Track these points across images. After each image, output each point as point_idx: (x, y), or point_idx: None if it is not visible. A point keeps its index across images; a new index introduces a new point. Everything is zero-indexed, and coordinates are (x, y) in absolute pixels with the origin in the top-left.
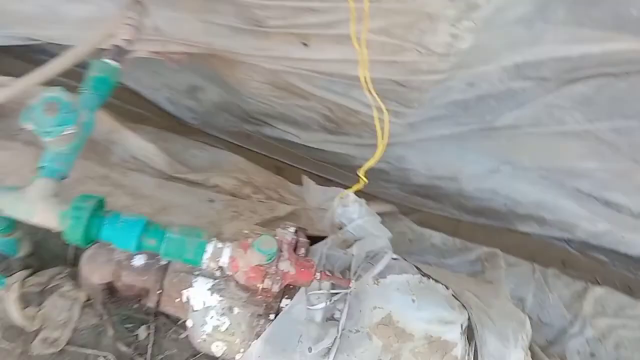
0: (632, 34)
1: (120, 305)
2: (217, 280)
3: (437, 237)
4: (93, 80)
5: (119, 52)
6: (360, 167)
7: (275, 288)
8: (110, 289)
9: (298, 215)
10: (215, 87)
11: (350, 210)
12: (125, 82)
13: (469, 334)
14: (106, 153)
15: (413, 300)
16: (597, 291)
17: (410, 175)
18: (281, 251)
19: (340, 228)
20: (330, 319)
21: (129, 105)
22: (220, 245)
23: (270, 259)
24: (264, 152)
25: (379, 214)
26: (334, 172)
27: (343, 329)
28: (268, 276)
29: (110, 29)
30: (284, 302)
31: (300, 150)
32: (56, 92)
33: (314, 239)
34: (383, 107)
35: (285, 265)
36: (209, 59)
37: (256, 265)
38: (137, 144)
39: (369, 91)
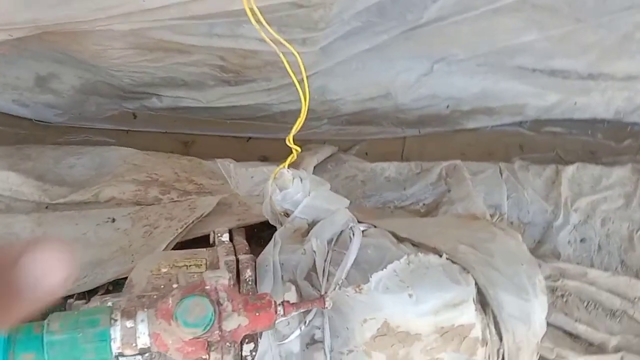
0: None
1: None
2: (147, 354)
3: (390, 169)
4: None
5: None
6: (280, 113)
7: (228, 358)
8: None
9: (228, 205)
10: (70, 68)
11: (291, 192)
12: None
13: (481, 299)
14: None
15: (410, 295)
16: (569, 171)
17: (338, 105)
18: (220, 304)
19: (287, 214)
20: (311, 342)
21: None
22: (130, 324)
23: (207, 328)
24: (160, 129)
25: (321, 163)
26: (253, 127)
27: (331, 351)
28: (213, 347)
29: None
30: (246, 348)
31: (203, 114)
32: None
33: (255, 228)
34: (289, 46)
35: (232, 322)
36: (43, 36)
37: (191, 339)
38: None
39: (268, 25)
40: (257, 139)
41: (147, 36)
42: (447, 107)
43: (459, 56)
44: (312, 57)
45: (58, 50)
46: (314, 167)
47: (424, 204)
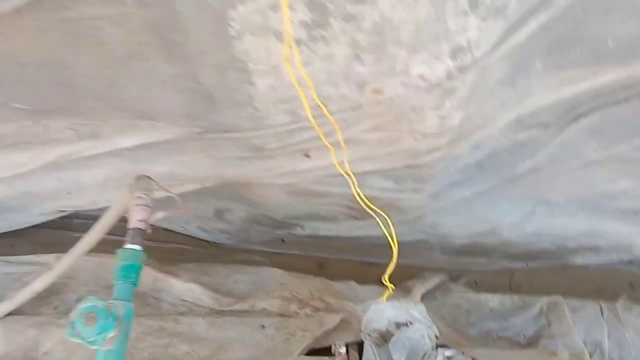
0: (615, 63)
1: None
2: None
3: (494, 300)
4: (122, 269)
5: (138, 234)
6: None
7: None
8: None
9: (348, 322)
10: (240, 205)
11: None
12: (158, 223)
13: None
14: (157, 303)
15: None
16: None
17: (449, 238)
18: None
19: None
20: None
21: (169, 244)
22: None
23: None
24: (302, 252)
25: (430, 291)
26: (375, 253)
27: None
28: None
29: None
30: None
31: (335, 241)
32: (91, 302)
33: None
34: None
35: None
36: (226, 184)
37: None
38: (182, 287)
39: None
40: (378, 264)
41: (296, 186)
42: (552, 243)
43: (558, 200)
44: (422, 201)
45: (233, 192)
46: (423, 296)
47: (524, 336)
